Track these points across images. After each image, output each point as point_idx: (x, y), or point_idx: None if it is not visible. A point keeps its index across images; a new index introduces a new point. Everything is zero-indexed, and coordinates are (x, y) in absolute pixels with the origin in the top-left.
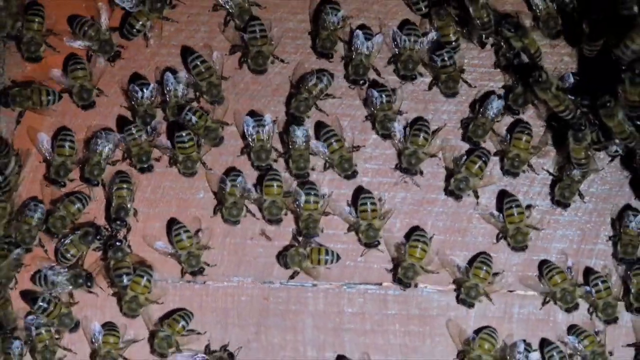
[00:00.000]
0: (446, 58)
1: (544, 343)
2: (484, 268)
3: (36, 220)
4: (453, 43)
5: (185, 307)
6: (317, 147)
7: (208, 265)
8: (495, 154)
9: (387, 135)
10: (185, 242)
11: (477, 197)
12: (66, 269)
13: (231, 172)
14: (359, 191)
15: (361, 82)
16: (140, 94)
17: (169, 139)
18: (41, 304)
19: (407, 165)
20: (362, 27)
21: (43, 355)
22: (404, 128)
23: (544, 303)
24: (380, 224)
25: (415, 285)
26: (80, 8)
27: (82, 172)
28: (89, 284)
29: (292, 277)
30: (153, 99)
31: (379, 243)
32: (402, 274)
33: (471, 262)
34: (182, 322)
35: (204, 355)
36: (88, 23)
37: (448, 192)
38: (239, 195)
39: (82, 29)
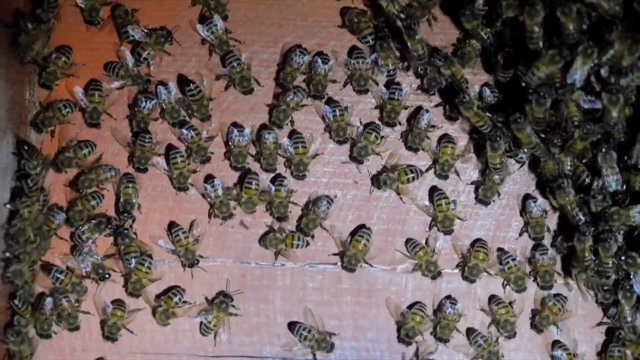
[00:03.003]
0: (394, 92)
1: (469, 331)
2: (418, 250)
3: (55, 225)
4: (391, 71)
5: (179, 283)
6: (286, 145)
7: (202, 257)
8: (429, 168)
9: (342, 141)
10: (182, 241)
11: (400, 196)
12: (97, 258)
13: (208, 179)
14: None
15: (321, 97)
16: (143, 104)
17: (166, 158)
18: (55, 274)
19: (357, 156)
20: (319, 53)
21: (67, 321)
22: (363, 126)
23: (458, 264)
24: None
25: (356, 268)
26: (108, 51)
27: (56, 160)
28: (100, 279)
29: (276, 257)
30: (151, 110)
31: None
32: (347, 262)
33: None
34: (176, 298)
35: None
36: (118, 65)
37: (375, 180)
38: (221, 195)
39: (114, 71)
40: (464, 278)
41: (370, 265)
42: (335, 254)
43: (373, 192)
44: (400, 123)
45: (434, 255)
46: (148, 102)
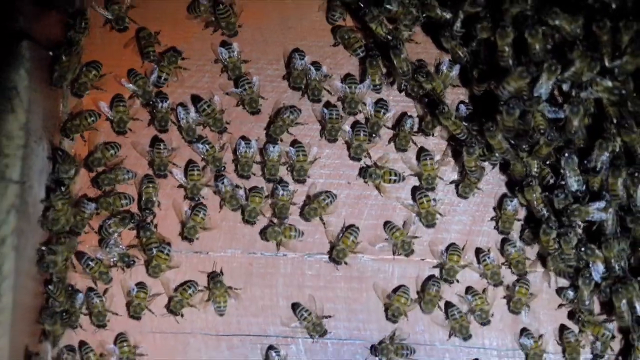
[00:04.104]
0: (380, 109)
1: (446, 305)
2: (395, 230)
3: (87, 214)
4: (377, 86)
5: (193, 271)
6: (290, 152)
7: (194, 240)
8: (414, 175)
9: (333, 140)
10: (198, 218)
11: (379, 191)
12: (123, 248)
13: (218, 177)
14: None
15: (319, 100)
16: (160, 104)
17: (184, 170)
18: (87, 261)
19: (355, 155)
20: (313, 63)
21: (97, 318)
22: (351, 128)
23: (436, 266)
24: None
25: (345, 263)
26: (133, 68)
27: (87, 161)
28: (127, 266)
29: (278, 247)
30: (169, 110)
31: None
32: (336, 255)
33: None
34: (190, 290)
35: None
36: (140, 76)
37: (363, 171)
38: (230, 190)
39: (134, 78)
40: (444, 280)
41: (361, 253)
42: (329, 249)
43: (343, 172)
44: (378, 135)
45: (408, 237)
46: (164, 102)
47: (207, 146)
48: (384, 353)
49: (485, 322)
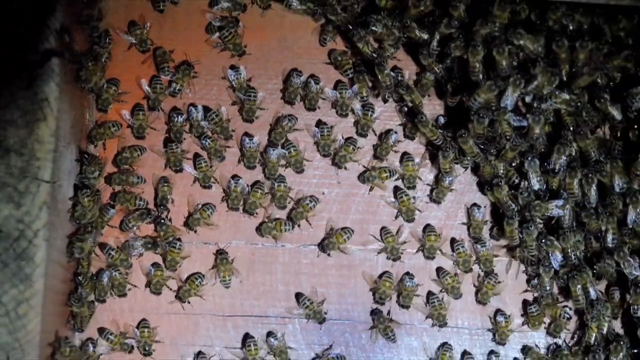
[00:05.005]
0: (367, 110)
1: (428, 294)
2: (388, 236)
3: (107, 218)
4: (364, 97)
5: (202, 261)
6: (283, 153)
7: (195, 231)
8: (398, 178)
9: (327, 155)
10: (205, 214)
11: (373, 188)
12: (140, 240)
13: (235, 177)
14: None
15: (314, 109)
16: (175, 118)
17: (193, 163)
18: (109, 251)
19: (338, 162)
20: (311, 76)
21: (118, 289)
22: (344, 140)
23: (419, 249)
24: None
25: (329, 255)
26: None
27: (116, 159)
28: (157, 248)
29: (275, 239)
30: (184, 124)
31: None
32: (326, 245)
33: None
34: (197, 282)
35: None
36: (160, 84)
37: (361, 176)
38: (240, 192)
39: (154, 84)
40: (426, 257)
41: (349, 244)
42: (323, 237)
43: (334, 173)
44: (368, 134)
45: (398, 244)
46: (180, 117)
47: (209, 140)
48: (380, 320)
49: (457, 297)
